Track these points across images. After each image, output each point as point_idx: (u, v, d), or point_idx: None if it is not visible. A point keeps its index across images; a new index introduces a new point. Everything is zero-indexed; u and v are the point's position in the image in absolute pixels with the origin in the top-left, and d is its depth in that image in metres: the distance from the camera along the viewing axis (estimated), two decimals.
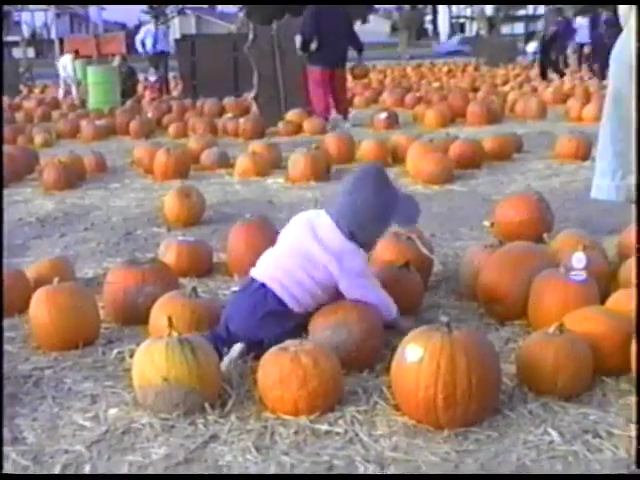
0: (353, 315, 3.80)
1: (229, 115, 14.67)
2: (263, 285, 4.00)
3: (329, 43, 13.59)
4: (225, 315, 4.06)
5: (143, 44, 23.53)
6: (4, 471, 3.01)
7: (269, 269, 4.07)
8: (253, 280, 4.09)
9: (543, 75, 22.96)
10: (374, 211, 4.02)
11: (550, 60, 23.65)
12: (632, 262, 4.48)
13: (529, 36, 32.60)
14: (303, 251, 4.03)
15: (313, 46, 13.72)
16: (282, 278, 3.99)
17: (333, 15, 13.76)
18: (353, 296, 3.98)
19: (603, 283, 4.39)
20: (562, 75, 21.01)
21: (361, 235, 4.04)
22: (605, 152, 2.26)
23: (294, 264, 4.01)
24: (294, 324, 3.94)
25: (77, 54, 25.58)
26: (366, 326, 3.78)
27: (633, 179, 2.25)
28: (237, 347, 3.86)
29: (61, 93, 24.70)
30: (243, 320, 3.96)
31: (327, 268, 3.97)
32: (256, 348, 3.81)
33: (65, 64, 24.73)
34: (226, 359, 3.76)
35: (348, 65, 14.63)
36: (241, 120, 13.16)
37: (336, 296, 4.01)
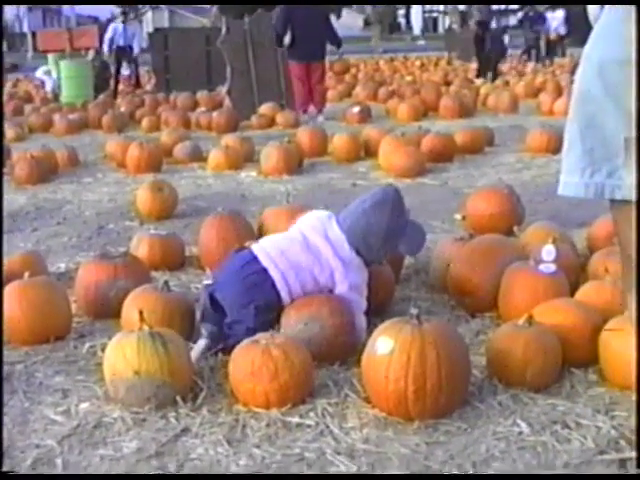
0: (325, 310, 3.81)
1: (202, 109, 14.65)
2: (265, 270, 3.98)
3: (302, 38, 13.68)
4: (214, 285, 4.11)
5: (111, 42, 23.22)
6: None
7: (277, 256, 4.03)
8: (254, 258, 4.05)
9: (484, 74, 23.05)
10: (384, 236, 4.06)
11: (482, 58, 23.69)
12: (601, 254, 4.53)
13: (504, 28, 32.66)
14: (315, 249, 4.04)
15: (286, 41, 13.85)
16: (286, 270, 3.97)
17: (306, 10, 13.78)
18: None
19: (573, 275, 4.43)
20: (494, 78, 20.94)
21: (366, 255, 4.08)
22: (573, 149, 2.28)
23: (304, 261, 4.01)
24: (274, 316, 3.95)
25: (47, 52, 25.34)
26: (338, 321, 3.79)
27: (601, 177, 2.25)
28: (201, 342, 3.87)
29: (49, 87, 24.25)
30: (232, 296, 3.98)
31: (334, 273, 3.99)
32: (221, 340, 3.86)
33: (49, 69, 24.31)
34: (192, 353, 3.77)
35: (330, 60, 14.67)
36: (214, 114, 13.13)
37: None
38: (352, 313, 3.91)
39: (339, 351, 3.78)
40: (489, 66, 22.10)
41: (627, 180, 2.21)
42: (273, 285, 3.94)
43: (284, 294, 3.95)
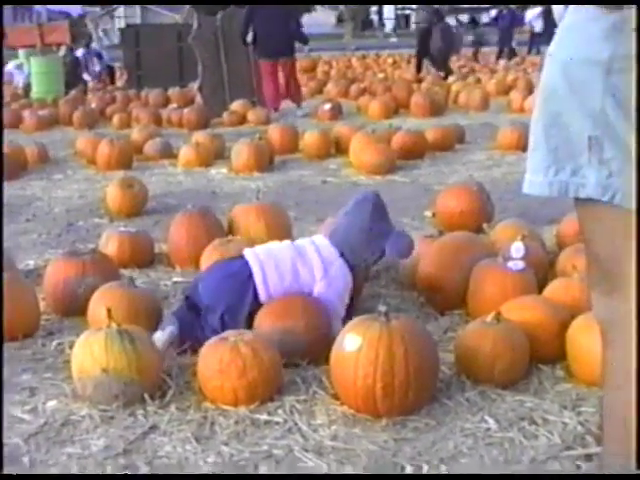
0: (301, 325, 3.75)
1: (173, 105, 14.60)
2: (246, 263, 4.00)
3: (267, 35, 13.80)
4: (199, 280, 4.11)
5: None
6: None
7: (261, 252, 4.08)
8: (240, 257, 4.09)
9: (418, 69, 23.17)
10: (366, 236, 4.06)
11: (426, 55, 23.77)
12: (569, 251, 4.55)
13: (469, 26, 32.73)
14: (300, 248, 4.08)
15: (248, 38, 13.96)
16: (266, 260, 3.99)
17: (268, 8, 13.87)
18: (323, 300, 3.97)
19: (541, 272, 4.45)
20: (445, 77, 21.00)
21: (350, 257, 4.06)
22: (538, 148, 2.29)
23: (286, 255, 4.04)
24: (249, 304, 3.94)
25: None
26: (313, 336, 3.75)
27: (565, 175, 2.26)
28: (168, 329, 3.87)
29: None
30: (209, 284, 4.00)
31: (313, 270, 3.99)
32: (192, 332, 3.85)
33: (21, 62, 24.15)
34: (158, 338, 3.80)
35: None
36: (185, 110, 13.10)
37: None
38: (329, 324, 3.86)
39: (313, 354, 3.75)
40: (438, 63, 22.20)
41: (591, 179, 2.22)
42: (250, 275, 3.94)
43: (262, 292, 3.93)
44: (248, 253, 4.07)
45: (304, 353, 3.70)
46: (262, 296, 3.94)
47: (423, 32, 22.49)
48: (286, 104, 14.53)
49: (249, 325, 3.84)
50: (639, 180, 2.15)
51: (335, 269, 4.00)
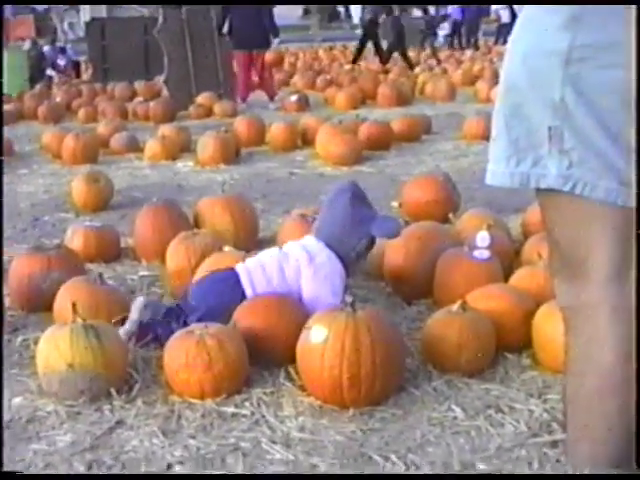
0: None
1: (140, 99, 14.54)
2: (232, 269, 4.00)
3: (241, 27, 14.04)
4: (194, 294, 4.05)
5: None
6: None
7: (249, 261, 4.07)
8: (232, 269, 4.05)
9: (354, 60, 23.37)
10: (350, 224, 4.01)
11: (363, 48, 24.02)
12: (535, 240, 4.57)
13: (441, 19, 32.83)
14: (286, 249, 4.08)
15: (224, 30, 14.29)
16: (254, 271, 3.95)
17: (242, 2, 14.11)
18: (309, 292, 3.91)
19: (507, 261, 4.47)
20: (384, 68, 21.39)
21: (338, 247, 4.01)
22: (499, 139, 2.31)
23: (271, 257, 4.03)
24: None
25: None
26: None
27: (526, 166, 2.28)
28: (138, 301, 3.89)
29: None
30: (200, 294, 3.97)
31: (299, 266, 3.95)
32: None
33: None
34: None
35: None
36: (151, 104, 13.05)
37: None
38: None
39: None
40: (385, 55, 22.51)
41: (552, 169, 2.23)
42: (238, 280, 3.93)
43: (245, 284, 3.91)
44: (237, 265, 4.05)
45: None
46: (247, 289, 3.91)
47: (368, 24, 22.64)
48: (256, 96, 14.53)
49: None
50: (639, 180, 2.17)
51: (321, 258, 3.95)
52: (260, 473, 2.86)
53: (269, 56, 14.72)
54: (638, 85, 2.11)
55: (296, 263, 3.94)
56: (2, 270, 4.40)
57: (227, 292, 3.90)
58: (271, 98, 14.41)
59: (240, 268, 3.98)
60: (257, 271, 3.94)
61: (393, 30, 22.27)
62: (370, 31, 23.13)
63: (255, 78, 14.92)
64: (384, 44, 23.28)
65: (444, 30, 32.77)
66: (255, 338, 3.56)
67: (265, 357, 3.61)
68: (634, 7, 2.11)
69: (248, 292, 3.89)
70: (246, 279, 3.92)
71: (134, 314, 3.88)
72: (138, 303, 3.91)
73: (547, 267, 3.80)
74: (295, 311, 3.72)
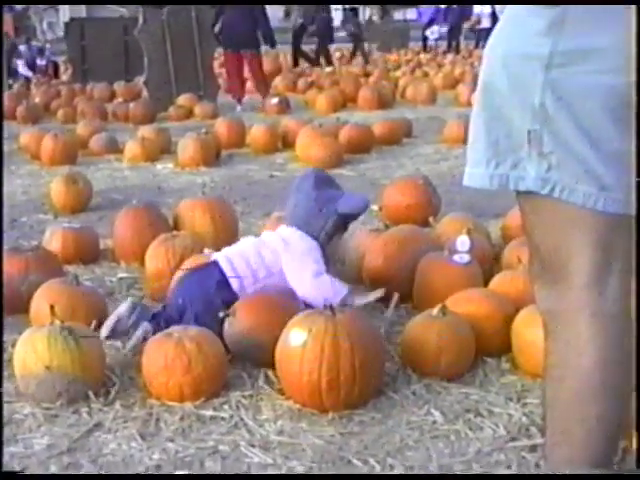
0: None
1: (119, 100, 14.49)
2: (214, 262, 4.00)
3: (230, 28, 14.22)
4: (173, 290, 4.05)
5: None
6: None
7: (225, 250, 4.10)
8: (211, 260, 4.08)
9: (295, 63, 23.64)
10: (314, 205, 4.01)
11: (300, 50, 24.32)
12: (514, 244, 4.58)
13: (429, 22, 32.88)
14: (262, 237, 4.13)
15: (216, 29, 14.49)
16: (231, 255, 3.99)
17: (236, 6, 14.33)
18: (292, 273, 3.93)
19: (487, 265, 4.47)
20: (317, 64, 21.89)
21: (307, 229, 4.02)
22: (478, 141, 2.31)
23: (246, 243, 4.10)
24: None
25: None
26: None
27: (505, 168, 2.28)
28: (144, 325, 3.84)
29: None
30: (186, 289, 3.95)
31: (275, 250, 3.98)
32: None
33: None
34: (131, 341, 3.78)
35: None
36: (131, 105, 13.00)
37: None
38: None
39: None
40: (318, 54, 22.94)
41: (530, 172, 2.23)
42: (219, 269, 3.94)
43: (227, 270, 3.91)
44: (215, 254, 4.09)
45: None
46: (234, 284, 3.90)
47: (298, 27, 22.83)
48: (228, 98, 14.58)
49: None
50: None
51: (295, 240, 3.98)
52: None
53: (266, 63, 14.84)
54: (638, 85, 2.12)
55: (273, 250, 3.98)
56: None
57: (210, 282, 3.91)
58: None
59: (218, 256, 4.01)
60: (235, 256, 3.97)
61: (319, 30, 22.74)
62: (298, 35, 23.44)
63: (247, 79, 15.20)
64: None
65: (434, 34, 32.83)
66: None
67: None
68: (634, 7, 2.12)
69: (232, 280, 3.90)
70: (227, 265, 3.93)
71: (120, 309, 3.87)
72: (127, 302, 3.92)
73: (527, 272, 3.81)
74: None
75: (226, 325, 3.68)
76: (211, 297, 3.84)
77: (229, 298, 3.84)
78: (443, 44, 31.85)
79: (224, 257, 3.99)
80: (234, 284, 3.89)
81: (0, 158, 8.52)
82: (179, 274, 4.15)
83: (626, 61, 2.10)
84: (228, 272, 3.91)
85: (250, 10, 14.38)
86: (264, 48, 15.50)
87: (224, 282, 3.89)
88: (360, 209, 4.11)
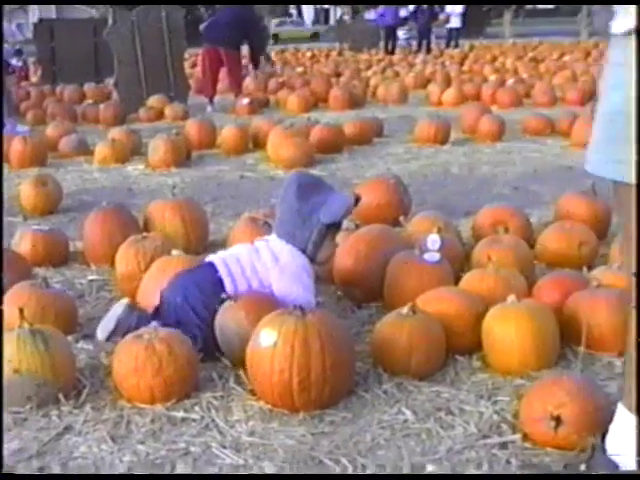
0: None
1: (89, 101, 14.42)
2: (211, 264, 3.98)
3: (216, 25, 14.45)
4: (168, 289, 3.99)
5: None
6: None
7: (221, 253, 4.09)
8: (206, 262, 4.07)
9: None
10: (298, 217, 3.98)
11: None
12: (485, 243, 4.60)
13: (402, 22, 32.96)
14: (255, 246, 4.07)
15: (202, 26, 14.95)
16: (227, 258, 3.98)
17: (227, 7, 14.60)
18: (281, 290, 3.89)
19: (457, 264, 4.49)
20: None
21: (294, 242, 3.99)
22: (600, 131, 2.43)
23: (241, 249, 4.06)
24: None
25: None
26: None
27: (614, 160, 2.39)
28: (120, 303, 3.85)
29: None
30: (182, 289, 3.91)
31: (266, 264, 3.94)
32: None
33: None
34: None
35: None
36: (101, 106, 12.93)
37: None
38: None
39: None
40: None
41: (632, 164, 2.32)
42: (215, 271, 3.92)
43: (227, 281, 3.88)
44: (210, 256, 4.09)
45: None
46: (228, 287, 3.86)
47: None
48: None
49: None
50: None
51: (284, 256, 3.95)
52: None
53: None
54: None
55: (264, 264, 3.95)
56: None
57: (206, 281, 3.89)
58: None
59: (215, 259, 4.00)
60: (232, 261, 3.95)
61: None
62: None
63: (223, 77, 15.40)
64: None
65: (405, 34, 32.92)
66: None
67: None
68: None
69: (226, 281, 3.87)
70: (223, 267, 3.91)
71: (117, 311, 3.86)
72: (121, 304, 3.90)
73: (502, 270, 3.86)
74: None
75: (222, 308, 3.69)
76: (208, 296, 3.82)
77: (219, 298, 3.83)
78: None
79: (220, 259, 3.98)
80: (228, 286, 3.87)
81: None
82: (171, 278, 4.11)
83: None
84: (224, 275, 3.89)
85: (242, 21, 14.42)
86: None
87: (219, 283, 3.87)
88: (343, 214, 4.05)
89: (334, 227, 4.08)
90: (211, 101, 14.49)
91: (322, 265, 4.18)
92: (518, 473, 2.81)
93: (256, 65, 15.86)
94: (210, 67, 14.72)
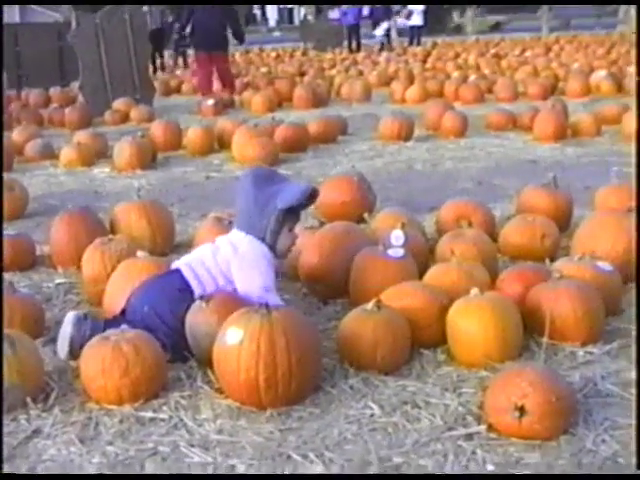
0: None
1: (55, 105, 14.37)
2: (177, 270, 3.99)
3: (203, 30, 15.06)
4: (135, 297, 3.97)
5: None
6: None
7: (185, 258, 4.11)
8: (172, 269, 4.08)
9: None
10: (255, 206, 3.99)
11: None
12: (448, 237, 4.64)
13: (377, 21, 33.02)
14: (215, 243, 4.10)
15: (187, 31, 15.57)
16: (192, 262, 4.00)
17: (207, 7, 15.09)
18: (241, 283, 3.91)
19: (422, 259, 4.52)
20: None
21: (253, 232, 4.00)
22: None
23: (204, 250, 4.09)
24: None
25: None
26: None
27: None
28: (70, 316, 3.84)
29: None
30: (149, 296, 3.91)
31: (226, 256, 3.97)
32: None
33: None
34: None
35: None
36: (67, 110, 12.89)
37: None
38: None
39: None
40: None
41: None
42: (182, 277, 3.93)
43: (193, 281, 3.90)
44: (175, 263, 4.11)
45: None
46: (196, 291, 3.87)
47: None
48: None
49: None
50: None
51: (243, 246, 3.97)
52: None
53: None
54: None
55: (224, 257, 3.97)
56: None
57: (173, 289, 3.89)
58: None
59: (180, 264, 4.02)
60: (197, 264, 3.97)
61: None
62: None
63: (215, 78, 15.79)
64: None
65: (381, 32, 32.97)
66: None
67: None
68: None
69: (194, 285, 3.89)
70: (189, 272, 3.93)
71: (67, 330, 3.83)
72: (71, 318, 3.85)
73: (465, 263, 3.89)
74: None
75: (193, 309, 3.71)
76: (176, 303, 3.82)
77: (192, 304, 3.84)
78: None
79: (185, 265, 3.99)
80: (196, 289, 3.88)
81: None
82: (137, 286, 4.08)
83: None
84: (190, 279, 3.91)
85: (220, 9, 15.08)
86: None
87: (186, 289, 3.88)
88: (299, 199, 4.03)
89: (292, 216, 4.10)
90: (210, 98, 14.58)
91: (282, 256, 4.19)
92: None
93: (242, 41, 16.80)
94: (205, 70, 15.57)
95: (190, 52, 25.70)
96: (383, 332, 3.53)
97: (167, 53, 27.12)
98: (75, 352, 3.72)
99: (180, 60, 26.97)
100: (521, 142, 9.57)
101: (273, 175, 4.19)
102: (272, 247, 4.03)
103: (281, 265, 4.36)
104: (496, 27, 44.97)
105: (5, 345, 3.32)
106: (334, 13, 33.84)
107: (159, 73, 23.72)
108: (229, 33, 15.82)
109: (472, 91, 13.68)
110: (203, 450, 3.02)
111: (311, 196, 4.13)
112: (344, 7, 31.71)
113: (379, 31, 32.73)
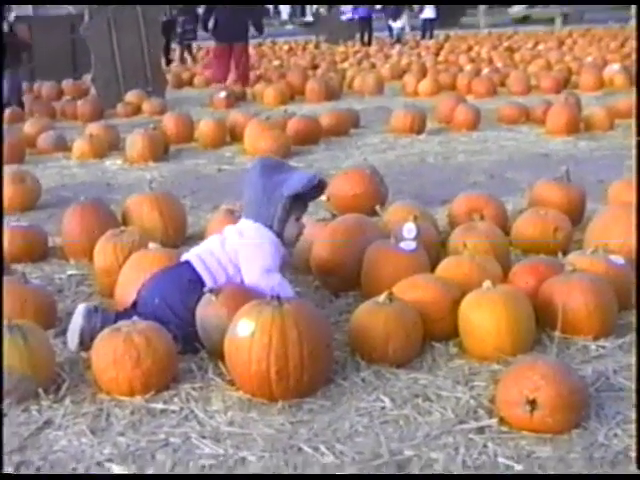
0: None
1: (67, 98, 14.37)
2: (187, 262, 4.00)
3: (226, 24, 15.58)
4: (146, 289, 3.98)
5: None
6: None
7: (194, 250, 4.11)
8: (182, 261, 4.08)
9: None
10: (263, 195, 4.00)
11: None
12: (460, 230, 4.63)
13: (397, 14, 32.96)
14: (222, 233, 4.12)
15: (210, 25, 16.10)
16: (201, 253, 4.00)
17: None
18: (244, 263, 3.92)
19: (433, 251, 4.51)
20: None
21: (261, 220, 4.00)
22: None
23: (212, 240, 4.10)
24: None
25: None
26: None
27: None
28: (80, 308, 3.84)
29: None
30: (160, 289, 3.92)
31: (233, 245, 3.97)
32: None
33: None
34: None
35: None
36: (79, 103, 12.90)
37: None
38: None
39: None
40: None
41: None
42: (194, 269, 3.93)
43: (204, 273, 3.90)
44: (185, 255, 4.11)
45: None
46: (208, 282, 3.87)
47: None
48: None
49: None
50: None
51: (249, 232, 3.98)
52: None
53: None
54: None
55: (231, 242, 3.98)
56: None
57: (184, 280, 3.90)
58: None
59: (190, 256, 4.02)
60: (207, 255, 3.97)
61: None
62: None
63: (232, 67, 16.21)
64: None
65: (399, 25, 32.91)
66: None
67: None
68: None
69: (205, 276, 3.89)
70: (200, 264, 3.93)
71: (78, 321, 3.83)
72: (81, 310, 3.86)
73: (477, 257, 3.87)
74: None
75: (203, 302, 3.70)
76: (186, 294, 3.82)
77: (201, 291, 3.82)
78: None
79: (196, 256, 3.99)
80: (207, 281, 3.88)
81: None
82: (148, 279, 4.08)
83: None
84: (201, 270, 3.91)
85: (245, 6, 15.78)
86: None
87: (197, 280, 3.88)
88: (305, 186, 4.01)
89: (299, 205, 4.10)
90: (226, 86, 15.01)
91: (290, 245, 4.18)
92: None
93: (261, 32, 17.51)
94: (224, 60, 16.11)
95: (194, 45, 26.62)
96: (395, 325, 3.53)
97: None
98: (85, 344, 3.72)
99: (186, 53, 26.88)
100: (534, 135, 9.54)
101: (281, 164, 4.23)
102: (279, 235, 4.03)
103: (289, 255, 4.35)
104: (523, 20, 44.64)
105: (17, 336, 3.32)
106: (347, 14, 33.71)
107: (173, 64, 23.81)
108: (250, 25, 16.22)
109: (485, 84, 13.64)
110: (214, 442, 3.02)
111: (319, 187, 4.13)
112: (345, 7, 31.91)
113: (398, 23, 32.64)
